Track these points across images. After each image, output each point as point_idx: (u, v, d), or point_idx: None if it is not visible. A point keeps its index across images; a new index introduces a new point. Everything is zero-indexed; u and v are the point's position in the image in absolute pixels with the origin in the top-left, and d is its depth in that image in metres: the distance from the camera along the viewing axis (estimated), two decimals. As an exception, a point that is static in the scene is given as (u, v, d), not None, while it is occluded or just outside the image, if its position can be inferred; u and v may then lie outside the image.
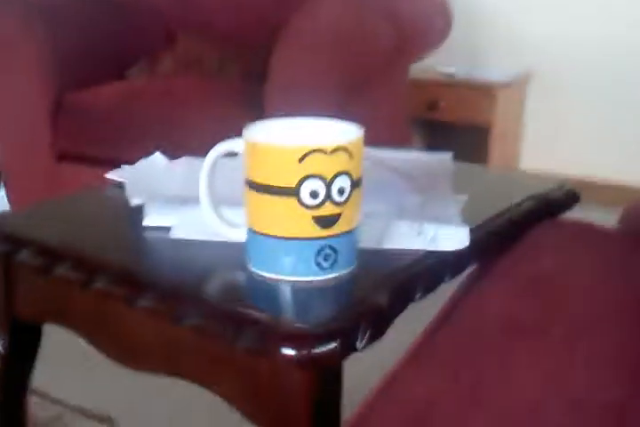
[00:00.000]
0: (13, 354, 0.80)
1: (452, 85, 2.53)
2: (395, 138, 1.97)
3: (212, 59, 2.08)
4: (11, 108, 1.83)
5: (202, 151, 0.84)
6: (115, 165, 0.92)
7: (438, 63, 2.59)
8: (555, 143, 2.67)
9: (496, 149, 2.52)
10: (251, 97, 1.73)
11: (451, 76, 2.57)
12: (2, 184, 2.00)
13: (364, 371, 0.95)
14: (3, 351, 0.79)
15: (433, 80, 2.55)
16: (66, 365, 1.68)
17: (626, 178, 2.48)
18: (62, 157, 1.80)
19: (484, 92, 2.47)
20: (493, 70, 2.62)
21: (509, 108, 2.58)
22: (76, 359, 1.70)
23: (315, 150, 0.64)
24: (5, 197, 1.94)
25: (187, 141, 1.60)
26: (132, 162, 0.94)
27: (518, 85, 2.60)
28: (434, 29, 2.02)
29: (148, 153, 0.97)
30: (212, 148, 0.71)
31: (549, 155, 2.67)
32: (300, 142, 0.65)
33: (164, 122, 1.70)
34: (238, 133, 0.68)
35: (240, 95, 1.78)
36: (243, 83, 1.98)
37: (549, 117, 2.67)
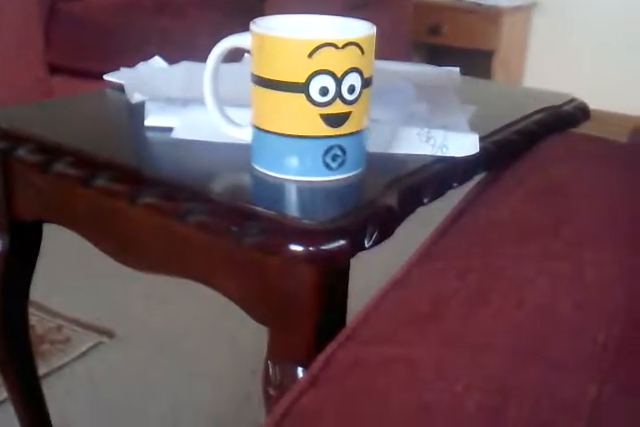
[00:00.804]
0: (14, 253, 0.79)
1: (456, 9, 2.47)
2: (395, 57, 1.92)
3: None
4: (2, 13, 1.77)
5: (200, 59, 0.82)
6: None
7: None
8: (557, 71, 2.63)
9: (499, 75, 2.48)
10: (249, 11, 1.67)
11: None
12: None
13: (371, 274, 0.95)
14: (2, 250, 0.77)
15: (437, 3, 2.49)
16: (64, 277, 1.68)
17: (626, 108, 2.45)
18: (55, 69, 1.76)
19: (489, 17, 2.42)
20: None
21: (514, 35, 2.53)
22: (75, 271, 1.71)
23: (326, 44, 0.61)
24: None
25: (182, 54, 1.55)
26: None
27: (524, 12, 2.54)
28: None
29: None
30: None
31: (552, 83, 2.63)
32: (310, 36, 0.62)
33: (160, 33, 1.65)
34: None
35: (239, 9, 1.73)
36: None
37: (553, 46, 2.62)
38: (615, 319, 0.50)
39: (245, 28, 0.67)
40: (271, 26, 0.66)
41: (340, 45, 0.62)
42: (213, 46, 0.69)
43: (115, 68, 1.29)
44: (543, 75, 2.66)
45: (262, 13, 1.60)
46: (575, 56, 2.59)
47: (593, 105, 0.98)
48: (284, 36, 0.62)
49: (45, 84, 1.76)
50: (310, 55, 0.61)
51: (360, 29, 0.65)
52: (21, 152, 0.69)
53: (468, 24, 2.45)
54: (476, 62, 2.53)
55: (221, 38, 0.68)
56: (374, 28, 0.66)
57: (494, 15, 2.40)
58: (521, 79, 2.70)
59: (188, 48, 1.59)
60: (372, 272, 1.02)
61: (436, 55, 2.68)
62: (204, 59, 0.69)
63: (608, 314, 0.51)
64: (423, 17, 2.41)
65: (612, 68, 2.54)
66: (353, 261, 0.59)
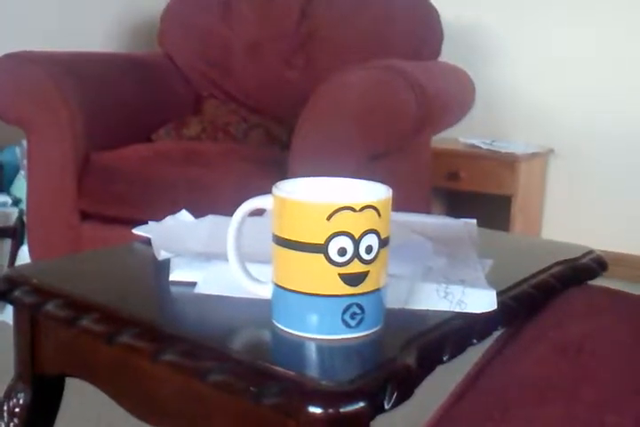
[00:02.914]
0: (35, 408, 0.79)
1: (474, 156, 2.55)
2: (415, 208, 1.97)
3: (238, 126, 2.12)
4: (40, 165, 1.85)
5: (225, 212, 0.85)
6: (136, 224, 0.93)
7: (459, 135, 2.63)
8: (576, 216, 2.67)
9: (518, 221, 2.51)
10: (274, 162, 1.75)
11: (474, 147, 2.59)
12: (25, 239, 2.01)
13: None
14: (25, 403, 0.77)
15: (455, 151, 2.58)
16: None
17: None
18: (85, 215, 1.82)
19: (506, 164, 2.49)
20: (516, 143, 2.64)
21: (531, 181, 2.59)
22: None
23: (344, 208, 0.64)
24: (28, 253, 1.95)
25: (209, 203, 1.61)
26: (155, 221, 0.95)
27: (540, 158, 2.62)
28: (457, 102, 2.05)
29: (171, 213, 0.98)
30: (234, 208, 0.71)
31: (571, 228, 2.67)
32: (329, 199, 0.65)
33: (187, 183, 1.71)
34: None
35: (264, 160, 1.80)
36: (267, 149, 2.01)
37: (571, 190, 2.67)
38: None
39: (270, 178, 0.70)
40: (292, 189, 0.69)
41: (358, 209, 0.64)
42: (238, 196, 0.72)
43: (143, 214, 1.33)
44: (561, 220, 2.70)
45: (286, 163, 1.68)
46: (592, 202, 2.64)
47: (612, 249, 0.99)
48: (304, 200, 0.65)
49: (76, 230, 1.82)
50: (329, 218, 0.64)
51: (377, 193, 0.68)
52: (49, 307, 0.71)
53: (485, 170, 2.52)
54: (495, 207, 2.58)
55: (247, 188, 0.72)
56: (390, 191, 0.69)
57: (510, 162, 2.48)
58: (539, 224, 2.73)
59: (216, 197, 1.66)
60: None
61: (456, 201, 2.74)
62: (229, 209, 0.72)
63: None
64: (441, 163, 2.49)
65: (629, 213, 2.57)
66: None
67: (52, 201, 1.86)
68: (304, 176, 0.73)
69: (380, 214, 0.66)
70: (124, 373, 0.69)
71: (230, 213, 0.71)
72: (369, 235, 0.65)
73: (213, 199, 1.62)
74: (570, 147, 2.65)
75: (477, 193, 2.57)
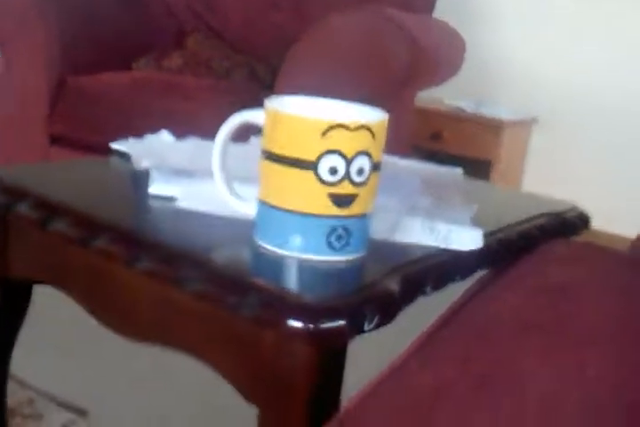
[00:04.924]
0: (3, 313, 0.76)
1: (458, 119, 2.53)
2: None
3: (221, 62, 2.06)
4: (11, 83, 1.79)
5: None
6: (109, 153, 0.89)
7: (445, 96, 2.60)
8: (554, 185, 2.67)
9: (497, 184, 2.51)
10: (256, 100, 1.70)
11: (459, 109, 2.57)
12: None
13: (368, 361, 0.91)
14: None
15: (439, 112, 2.55)
16: (42, 350, 1.62)
17: (626, 228, 2.47)
18: (56, 139, 1.76)
19: (490, 128, 2.47)
20: (501, 108, 2.62)
21: (514, 147, 2.59)
22: (54, 345, 1.65)
23: (338, 125, 0.62)
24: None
25: (187, 133, 1.57)
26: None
27: (525, 125, 2.61)
28: (447, 60, 2.02)
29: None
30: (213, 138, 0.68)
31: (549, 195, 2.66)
32: (324, 116, 0.62)
33: (166, 114, 1.67)
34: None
35: (246, 97, 1.76)
36: (249, 87, 1.96)
37: (552, 160, 2.67)
38: (620, 414, 0.49)
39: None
40: (285, 104, 0.66)
41: (353, 128, 0.62)
42: (217, 128, 0.69)
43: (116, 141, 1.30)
44: (540, 189, 2.71)
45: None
46: (573, 173, 2.65)
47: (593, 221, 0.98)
48: (299, 115, 0.63)
49: (45, 154, 1.77)
50: (323, 134, 0.62)
51: (373, 114, 0.66)
52: (21, 208, 0.68)
53: (468, 133, 2.50)
54: (475, 170, 2.56)
55: (224, 121, 0.69)
56: (387, 115, 0.67)
57: (494, 127, 2.46)
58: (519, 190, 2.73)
59: (195, 128, 1.61)
60: (370, 358, 0.98)
61: (436, 162, 2.72)
62: (208, 137, 0.69)
63: (613, 410, 0.49)
64: (424, 123, 2.47)
65: (613, 186, 2.58)
66: (351, 346, 0.57)
67: (23, 123, 1.80)
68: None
69: (374, 136, 0.64)
70: (97, 280, 0.66)
71: (210, 140, 0.69)
72: (361, 156, 0.63)
73: (192, 130, 1.57)
74: (553, 115, 2.64)
75: (458, 156, 2.55)
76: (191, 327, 0.61)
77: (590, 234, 0.97)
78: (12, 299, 0.77)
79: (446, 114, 2.55)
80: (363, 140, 0.63)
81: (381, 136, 0.65)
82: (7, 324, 0.78)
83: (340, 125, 0.62)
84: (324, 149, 0.62)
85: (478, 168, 2.53)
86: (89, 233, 0.63)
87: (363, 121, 0.63)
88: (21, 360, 1.38)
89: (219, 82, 1.94)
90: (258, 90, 1.92)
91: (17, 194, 0.69)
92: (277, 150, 0.64)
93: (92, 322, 0.69)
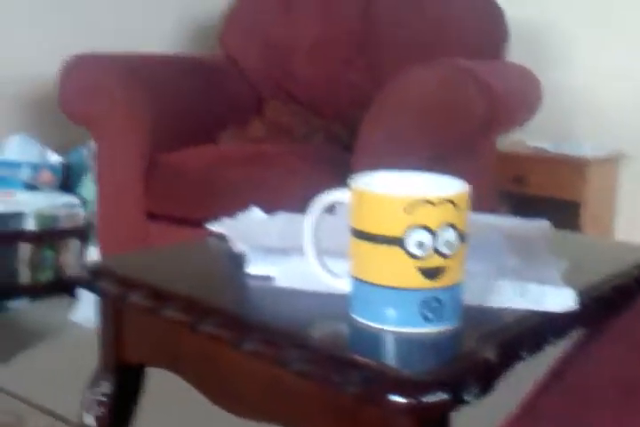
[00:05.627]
0: (118, 397, 0.81)
1: (541, 160, 2.49)
2: (482, 207, 1.94)
3: (300, 127, 2.13)
4: (108, 165, 1.89)
5: (291, 211, 0.85)
6: (202, 225, 0.94)
7: (526, 137, 2.59)
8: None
9: (588, 227, 2.45)
10: (337, 162, 1.75)
11: (541, 150, 2.54)
12: (92, 240, 2.06)
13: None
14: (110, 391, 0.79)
15: (521, 154, 2.53)
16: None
17: None
18: (152, 216, 1.85)
19: (575, 167, 2.42)
20: (585, 146, 2.58)
21: (602, 186, 2.52)
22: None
23: (422, 201, 0.64)
24: (95, 253, 2.00)
25: (274, 203, 1.62)
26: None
27: (611, 162, 2.55)
28: (525, 103, 2.02)
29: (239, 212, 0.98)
30: (301, 206, 0.72)
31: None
32: (406, 192, 0.65)
33: (251, 184, 1.73)
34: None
35: (326, 160, 1.81)
36: (329, 150, 2.01)
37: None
38: None
39: (333, 177, 0.71)
40: (368, 182, 0.69)
41: (436, 202, 0.65)
42: (304, 195, 0.73)
43: (209, 215, 1.36)
44: (634, 227, 2.62)
45: (348, 163, 1.68)
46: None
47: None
48: (382, 193, 0.66)
49: (144, 231, 1.85)
50: (407, 210, 0.64)
51: (454, 187, 0.68)
52: (134, 298, 0.73)
53: (553, 174, 2.46)
54: (563, 213, 2.51)
55: (311, 188, 0.72)
56: (467, 185, 0.68)
57: (579, 166, 2.41)
58: (611, 231, 2.66)
59: (281, 197, 1.67)
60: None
61: (522, 205, 2.68)
62: (295, 208, 0.73)
63: None
64: (507, 166, 2.44)
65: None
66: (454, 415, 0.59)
67: (121, 202, 1.89)
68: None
69: (457, 208, 0.66)
70: (206, 361, 0.71)
71: (299, 211, 0.72)
72: (447, 229, 0.65)
73: (278, 199, 1.62)
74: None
75: (545, 197, 2.52)
76: (294, 404, 0.63)
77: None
78: (127, 381, 0.82)
79: (528, 155, 2.52)
80: (446, 213, 0.65)
81: (464, 207, 0.67)
82: (125, 406, 0.83)
83: (424, 200, 0.65)
84: (409, 224, 0.65)
85: (566, 210, 2.48)
86: (196, 318, 0.68)
87: (445, 194, 0.65)
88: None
89: (299, 147, 2.00)
90: (336, 151, 1.97)
91: (129, 285, 0.75)
92: (365, 228, 0.67)
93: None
